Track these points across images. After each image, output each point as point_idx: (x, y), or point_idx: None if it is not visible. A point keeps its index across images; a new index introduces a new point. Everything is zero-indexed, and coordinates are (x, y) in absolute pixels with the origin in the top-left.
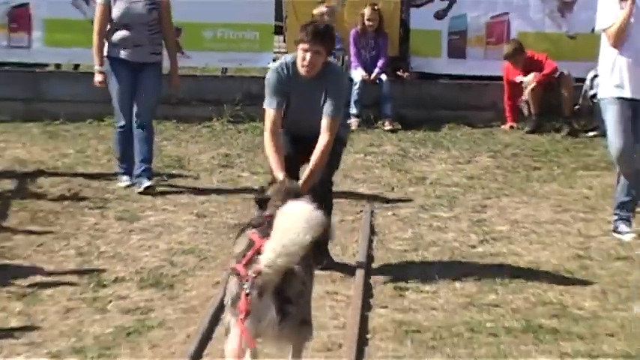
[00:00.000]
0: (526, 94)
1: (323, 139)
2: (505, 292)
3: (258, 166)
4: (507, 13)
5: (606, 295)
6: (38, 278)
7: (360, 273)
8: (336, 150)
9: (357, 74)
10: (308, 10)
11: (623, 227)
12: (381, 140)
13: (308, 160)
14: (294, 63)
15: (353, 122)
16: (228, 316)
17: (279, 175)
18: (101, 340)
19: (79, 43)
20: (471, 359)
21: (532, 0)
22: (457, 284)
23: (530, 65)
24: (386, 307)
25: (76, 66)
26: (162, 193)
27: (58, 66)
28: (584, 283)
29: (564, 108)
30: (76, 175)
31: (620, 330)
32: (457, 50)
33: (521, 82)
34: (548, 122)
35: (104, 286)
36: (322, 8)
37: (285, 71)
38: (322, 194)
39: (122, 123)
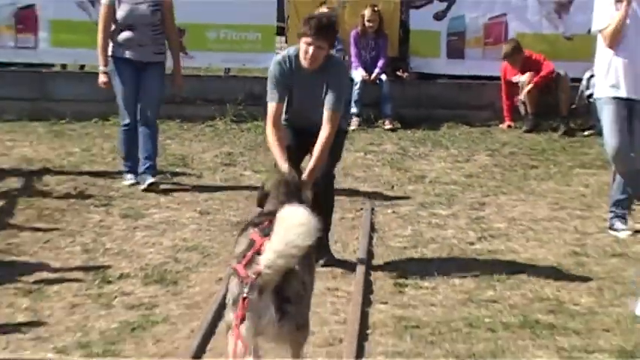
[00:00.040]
0: (522, 95)
1: (325, 131)
2: (503, 288)
3: (260, 165)
4: (505, 15)
5: (602, 291)
6: (44, 274)
7: (360, 269)
8: (338, 142)
9: (358, 74)
10: (309, 12)
11: (618, 224)
12: (381, 139)
13: (310, 152)
14: (296, 56)
15: (353, 121)
16: (230, 315)
17: (283, 165)
18: (106, 335)
19: (85, 44)
20: (469, 354)
21: (530, 1)
22: (456, 280)
23: (528, 65)
24: (386, 302)
25: (82, 66)
26: (166, 191)
27: (63, 66)
28: (581, 279)
29: (561, 108)
30: (81, 173)
31: (615, 325)
32: (456, 51)
33: (519, 81)
34: (545, 121)
35: (109, 282)
36: (323, 9)
37: (288, 64)
38: (325, 186)
39: (127, 121)
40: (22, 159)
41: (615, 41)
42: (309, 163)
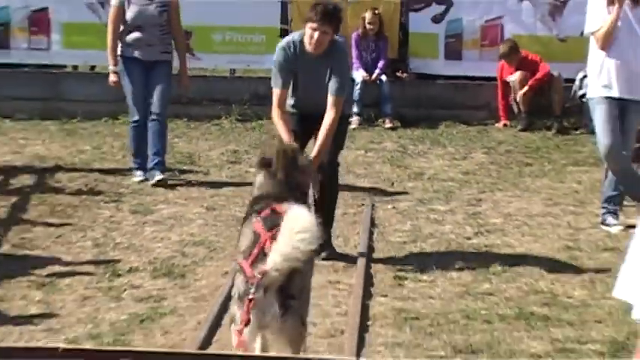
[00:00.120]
0: (518, 96)
1: (329, 116)
2: (499, 281)
3: None
4: (501, 17)
5: (594, 284)
6: (57, 268)
7: (361, 263)
8: (341, 128)
9: (359, 75)
10: None
11: (610, 220)
12: (381, 138)
13: (315, 137)
14: (301, 41)
15: (354, 120)
16: (234, 308)
17: (286, 136)
18: (116, 327)
19: (95, 46)
20: (466, 345)
21: (524, 4)
22: (453, 274)
23: (524, 65)
24: (386, 295)
25: (93, 67)
26: (174, 187)
27: (75, 67)
28: (574, 272)
29: (554, 107)
30: (92, 170)
31: (607, 317)
32: (453, 52)
33: (517, 80)
34: (540, 120)
35: (119, 275)
36: None
37: (292, 49)
38: (330, 173)
39: (136, 118)
40: (35, 157)
41: (607, 43)
42: (314, 147)
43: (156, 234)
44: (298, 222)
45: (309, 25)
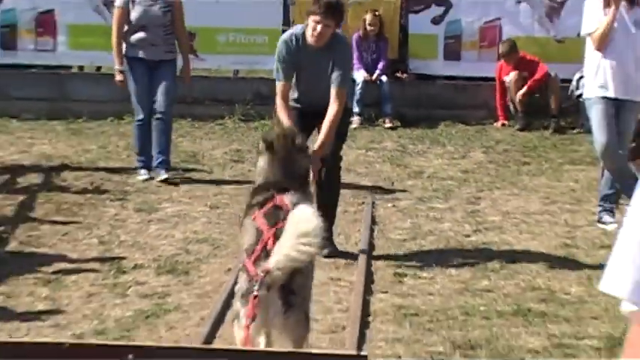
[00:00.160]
0: (517, 96)
1: (333, 108)
2: (497, 278)
3: None
4: (499, 19)
5: (591, 280)
6: (63, 265)
7: (362, 260)
8: (344, 121)
9: (359, 75)
10: None
11: (607, 218)
12: (381, 137)
13: (318, 129)
14: (303, 34)
15: (355, 120)
16: (237, 305)
17: (286, 122)
18: (121, 323)
19: (101, 47)
20: (465, 340)
21: (522, 6)
22: (452, 271)
23: (522, 64)
24: (386, 292)
25: (98, 68)
26: (179, 186)
27: (81, 68)
28: (571, 269)
29: (551, 107)
30: (98, 169)
31: (604, 313)
32: (452, 53)
33: (512, 80)
34: (537, 120)
35: (124, 272)
36: None
37: (294, 42)
38: (333, 166)
39: (140, 116)
40: (42, 156)
41: (603, 44)
42: (317, 139)
43: (160, 232)
44: (303, 225)
45: (312, 17)
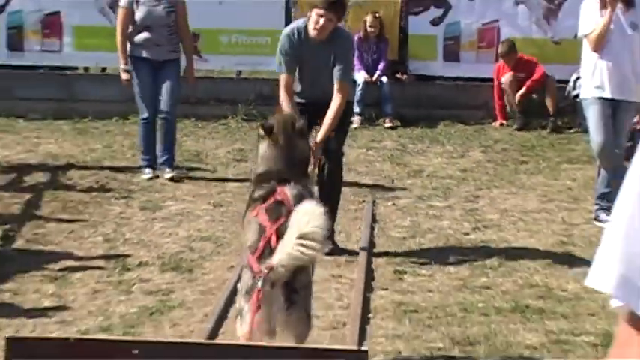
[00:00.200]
0: (516, 97)
1: (335, 100)
2: (495, 275)
3: None
4: (497, 20)
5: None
6: (69, 262)
7: (362, 258)
8: (346, 117)
9: (360, 76)
10: None
11: (603, 216)
12: (382, 137)
13: (320, 123)
14: (305, 27)
15: (356, 120)
16: (241, 302)
17: (287, 109)
18: (126, 319)
19: (106, 48)
20: (464, 336)
21: (520, 8)
22: (451, 268)
23: (520, 65)
24: (386, 289)
25: (103, 69)
26: (183, 184)
27: (86, 69)
28: (568, 267)
29: (549, 107)
30: (103, 168)
31: (600, 310)
32: (452, 54)
33: (507, 82)
34: (535, 120)
35: (129, 269)
36: None
37: (296, 36)
38: (335, 162)
39: (145, 115)
40: (48, 155)
41: (600, 45)
42: (320, 130)
43: (164, 229)
44: (307, 224)
45: (315, 11)
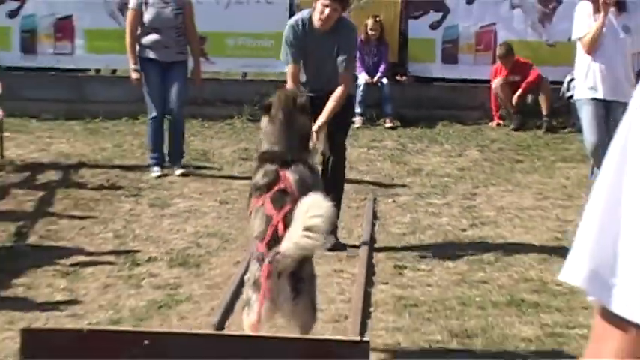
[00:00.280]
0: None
1: (338, 90)
2: (492, 270)
3: None
4: (494, 24)
5: None
6: (80, 258)
7: (363, 253)
8: (347, 112)
9: (361, 78)
10: None
11: None
12: (382, 136)
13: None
14: (309, 18)
15: (357, 120)
16: (248, 292)
17: (290, 86)
18: (136, 312)
19: (116, 50)
20: (462, 329)
21: (516, 12)
22: (450, 263)
23: (517, 67)
24: (387, 283)
25: (114, 71)
26: (190, 182)
27: (97, 71)
28: (562, 262)
29: (543, 108)
30: (113, 167)
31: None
32: (450, 56)
33: (497, 86)
34: (530, 120)
35: (138, 264)
36: None
37: (301, 26)
38: (338, 155)
39: (154, 114)
40: (60, 154)
41: (593, 48)
42: (320, 116)
43: (172, 226)
44: (312, 216)
45: (321, 1)
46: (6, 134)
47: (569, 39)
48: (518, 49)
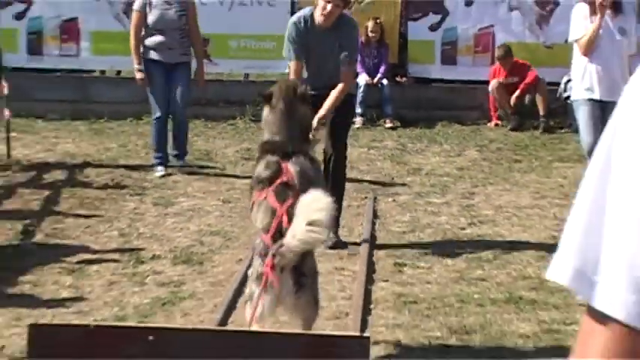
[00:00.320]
0: (513, 100)
1: (340, 85)
2: (490, 267)
3: None
4: (492, 26)
5: None
6: (86, 256)
7: (364, 251)
8: (348, 110)
9: (362, 79)
10: None
11: None
12: (382, 136)
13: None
14: (311, 15)
15: (358, 121)
16: (252, 287)
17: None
18: (140, 309)
19: (121, 52)
20: (460, 326)
21: (514, 14)
22: (449, 261)
23: (515, 68)
24: (387, 280)
25: (118, 72)
26: (193, 182)
27: (102, 72)
28: None
29: (540, 109)
30: (118, 166)
31: None
32: (449, 58)
33: (493, 89)
34: (528, 120)
35: (142, 262)
36: None
37: (303, 24)
38: (339, 153)
39: (158, 114)
40: (66, 154)
41: (589, 50)
42: (322, 108)
43: (176, 224)
44: (314, 211)
45: None
46: (13, 134)
47: (566, 41)
48: (516, 50)
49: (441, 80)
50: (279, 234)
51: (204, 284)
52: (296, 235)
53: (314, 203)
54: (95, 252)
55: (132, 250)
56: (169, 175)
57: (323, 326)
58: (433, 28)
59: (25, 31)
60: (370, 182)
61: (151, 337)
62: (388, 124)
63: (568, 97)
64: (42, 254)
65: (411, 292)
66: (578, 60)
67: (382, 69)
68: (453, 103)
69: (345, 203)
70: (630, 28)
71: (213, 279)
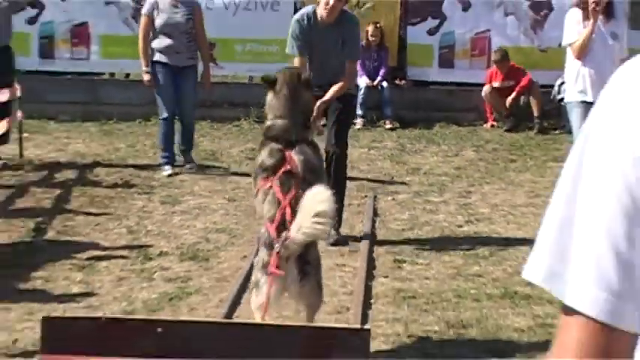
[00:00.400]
0: (509, 102)
1: (342, 79)
2: (487, 264)
3: None
4: (489, 30)
5: None
6: (95, 252)
7: (364, 248)
8: (349, 108)
9: (362, 81)
10: None
11: None
12: (382, 137)
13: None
14: (314, 13)
15: (358, 122)
16: (257, 275)
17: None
18: (148, 304)
19: (130, 55)
20: (458, 320)
21: (509, 19)
22: (446, 257)
23: (511, 72)
24: (386, 276)
25: (127, 75)
26: (200, 181)
27: (112, 75)
28: None
29: (535, 110)
30: (127, 166)
31: None
32: (447, 61)
33: (486, 94)
34: (523, 122)
35: (150, 259)
36: None
37: (306, 21)
38: (340, 152)
39: (165, 115)
40: (77, 154)
41: (583, 54)
42: (324, 97)
43: (183, 222)
44: (318, 204)
45: None
46: (25, 135)
47: (560, 45)
48: (512, 54)
49: (439, 83)
50: (282, 226)
51: (209, 280)
52: (301, 228)
53: (316, 196)
54: (105, 249)
55: (140, 246)
56: (176, 174)
57: (325, 320)
58: (431, 32)
59: (37, 36)
60: (370, 181)
61: (159, 329)
62: (388, 125)
63: (562, 99)
64: (53, 251)
65: (410, 287)
66: (572, 63)
67: (382, 72)
68: (450, 104)
69: (346, 201)
70: (622, 33)
71: (218, 275)
